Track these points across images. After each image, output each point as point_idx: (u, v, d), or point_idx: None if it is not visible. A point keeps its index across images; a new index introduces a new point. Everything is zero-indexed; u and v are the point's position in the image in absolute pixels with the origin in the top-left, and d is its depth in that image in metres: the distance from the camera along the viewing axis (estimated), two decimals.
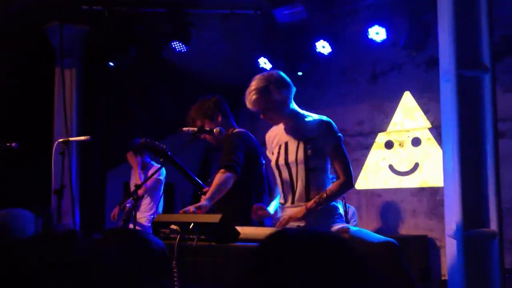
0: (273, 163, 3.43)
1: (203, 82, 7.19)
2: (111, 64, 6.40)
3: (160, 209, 6.21)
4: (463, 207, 2.88)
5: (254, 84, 3.31)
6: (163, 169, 6.02)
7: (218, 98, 3.94)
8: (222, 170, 3.45)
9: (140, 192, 5.90)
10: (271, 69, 6.41)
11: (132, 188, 5.57)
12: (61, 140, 4.52)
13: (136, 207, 4.99)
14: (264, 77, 3.33)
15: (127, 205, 5.63)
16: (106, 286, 0.82)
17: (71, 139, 4.75)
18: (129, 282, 0.85)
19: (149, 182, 5.46)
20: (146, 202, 6.11)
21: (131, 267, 1.34)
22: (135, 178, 6.01)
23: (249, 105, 3.32)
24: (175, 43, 6.35)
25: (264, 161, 3.81)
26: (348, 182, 3.27)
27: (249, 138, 3.79)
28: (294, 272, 1.08)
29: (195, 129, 3.63)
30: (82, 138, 4.60)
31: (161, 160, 3.81)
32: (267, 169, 3.85)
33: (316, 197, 3.19)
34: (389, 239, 3.02)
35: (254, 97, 3.28)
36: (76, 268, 0.83)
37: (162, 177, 5.95)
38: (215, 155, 7.89)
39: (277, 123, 3.44)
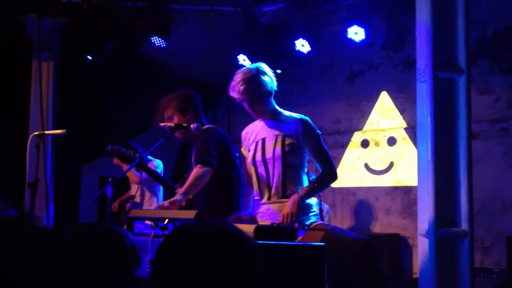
0: (249, 160, 3.45)
1: (181, 78, 7.17)
2: (89, 57, 6.34)
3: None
4: (436, 207, 2.92)
5: (241, 74, 3.33)
6: (160, 162, 6.01)
7: (194, 94, 3.93)
8: (198, 166, 3.45)
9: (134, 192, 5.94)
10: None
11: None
12: (36, 133, 4.46)
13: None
14: (251, 69, 3.36)
15: (128, 204, 5.68)
16: (73, 276, 0.83)
17: (46, 132, 4.69)
18: (97, 273, 0.86)
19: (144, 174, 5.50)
20: (146, 198, 6.10)
21: (99, 259, 1.35)
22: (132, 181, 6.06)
23: (236, 95, 3.33)
24: (154, 38, 6.30)
25: (237, 154, 3.82)
26: (332, 173, 3.35)
27: (218, 132, 3.79)
28: (191, 265, 1.13)
29: (172, 124, 3.61)
30: (58, 131, 4.54)
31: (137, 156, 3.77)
32: (241, 162, 3.87)
33: (307, 186, 3.24)
34: (365, 237, 3.07)
35: (242, 87, 3.29)
36: (42, 257, 0.83)
37: (159, 170, 5.94)
38: (192, 151, 7.88)
39: (261, 116, 3.45)
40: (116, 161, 5.98)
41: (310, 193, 3.24)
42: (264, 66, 3.41)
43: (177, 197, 3.22)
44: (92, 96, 6.78)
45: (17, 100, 6.26)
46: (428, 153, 2.99)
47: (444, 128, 3.02)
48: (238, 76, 3.34)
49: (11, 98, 6.20)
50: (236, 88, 3.32)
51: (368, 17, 6.08)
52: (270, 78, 3.38)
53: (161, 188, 6.19)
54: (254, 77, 3.31)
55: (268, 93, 3.35)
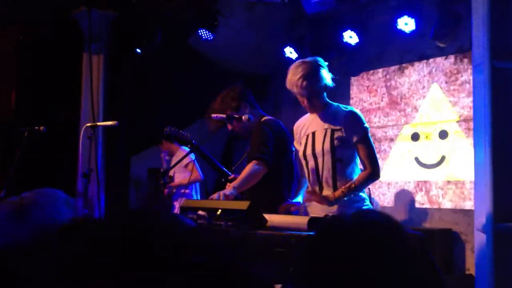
0: (300, 154, 3.42)
1: (228, 70, 7.19)
2: (138, 50, 6.42)
3: (194, 191, 6.25)
4: (494, 201, 2.85)
5: (302, 69, 3.24)
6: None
7: (242, 88, 3.89)
8: (254, 162, 3.44)
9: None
10: (297, 58, 6.36)
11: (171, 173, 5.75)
12: (89, 124, 4.56)
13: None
14: (311, 63, 3.30)
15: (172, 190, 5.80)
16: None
17: (99, 124, 4.78)
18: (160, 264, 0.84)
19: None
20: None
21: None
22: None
23: (296, 89, 3.25)
24: (201, 30, 6.33)
25: (294, 148, 3.79)
26: (374, 173, 3.26)
27: (278, 125, 3.77)
28: (352, 261, 1.08)
29: (224, 116, 3.61)
30: (110, 123, 4.62)
31: (189, 146, 3.81)
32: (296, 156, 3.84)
33: (344, 187, 3.18)
34: (416, 232, 3.01)
35: (304, 82, 3.21)
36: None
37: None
38: (238, 143, 7.90)
39: (315, 111, 3.39)
40: (166, 146, 6.05)
41: (346, 194, 3.17)
42: (322, 61, 3.37)
43: (230, 190, 3.23)
44: (140, 88, 6.87)
45: (69, 92, 6.41)
46: (485, 146, 2.91)
47: (502, 121, 2.93)
48: (298, 70, 3.25)
49: (63, 90, 6.35)
50: (296, 83, 3.24)
51: (419, 6, 5.94)
52: (327, 72, 3.33)
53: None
54: (315, 72, 3.26)
55: (326, 87, 3.31)
